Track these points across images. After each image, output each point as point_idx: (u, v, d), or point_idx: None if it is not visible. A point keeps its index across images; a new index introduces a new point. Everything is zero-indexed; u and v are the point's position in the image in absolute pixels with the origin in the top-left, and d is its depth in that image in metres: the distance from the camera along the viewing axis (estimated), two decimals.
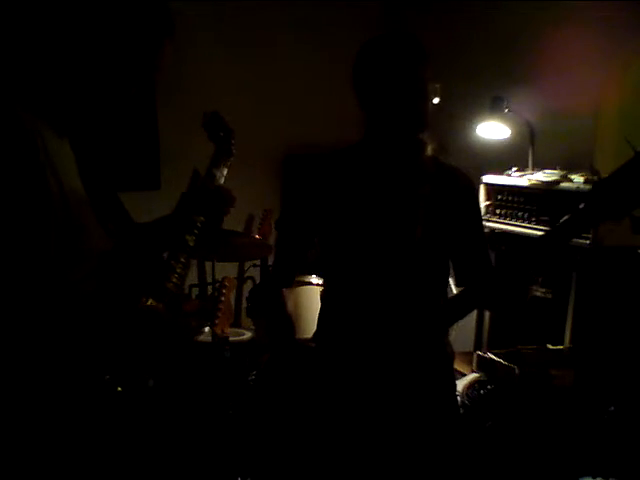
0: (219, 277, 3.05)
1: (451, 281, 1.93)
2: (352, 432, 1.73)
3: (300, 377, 1.88)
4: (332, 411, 1.76)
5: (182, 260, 1.45)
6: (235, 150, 1.75)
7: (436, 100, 1.80)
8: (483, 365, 2.64)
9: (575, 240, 2.57)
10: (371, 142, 1.81)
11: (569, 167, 2.83)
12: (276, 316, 1.97)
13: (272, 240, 3.14)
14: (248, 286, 3.30)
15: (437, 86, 1.79)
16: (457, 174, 1.85)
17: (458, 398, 2.22)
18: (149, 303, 1.34)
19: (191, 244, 1.48)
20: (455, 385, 2.00)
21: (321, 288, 2.82)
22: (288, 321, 1.97)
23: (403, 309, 1.73)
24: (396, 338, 1.68)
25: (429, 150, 1.81)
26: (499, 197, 2.98)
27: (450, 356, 1.89)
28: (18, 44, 1.32)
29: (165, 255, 1.47)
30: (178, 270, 1.43)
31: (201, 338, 2.83)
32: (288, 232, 1.99)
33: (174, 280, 1.42)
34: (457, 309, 1.75)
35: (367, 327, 1.73)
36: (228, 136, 1.75)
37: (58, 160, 1.27)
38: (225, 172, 1.67)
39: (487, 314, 3.16)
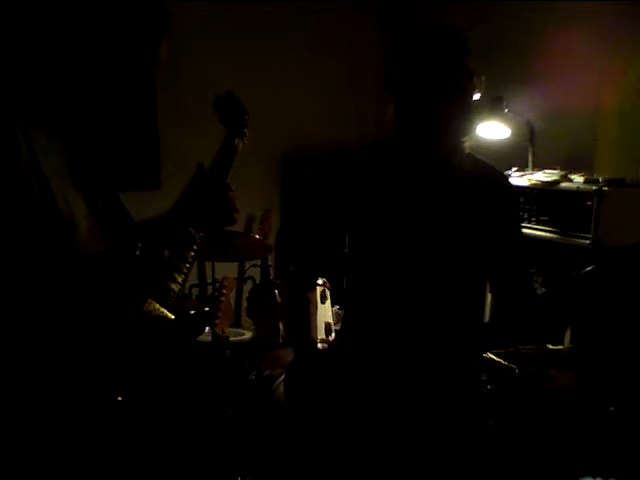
0: (219, 277, 3.06)
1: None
2: (374, 438, 1.70)
3: (323, 383, 1.81)
4: (356, 418, 1.72)
5: (189, 258, 1.36)
6: (247, 132, 1.65)
7: (477, 96, 1.64)
8: (483, 365, 2.64)
9: (575, 240, 2.58)
10: (404, 139, 1.69)
11: (569, 167, 2.82)
12: (302, 321, 1.89)
13: (272, 240, 3.15)
14: (248, 286, 3.30)
15: (482, 78, 1.62)
16: (496, 176, 1.74)
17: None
18: (152, 307, 1.27)
19: (199, 241, 1.40)
20: (480, 394, 1.95)
21: (320, 288, 2.83)
22: (310, 327, 1.91)
23: (435, 318, 1.67)
24: (426, 347, 1.65)
25: (466, 148, 1.70)
26: None
27: (479, 366, 1.83)
28: (10, 43, 1.29)
29: (167, 252, 1.39)
30: (184, 269, 1.34)
31: (201, 338, 2.83)
32: (315, 234, 1.87)
33: (179, 280, 1.33)
34: (497, 334, 1.73)
35: (397, 336, 1.67)
36: (242, 117, 1.65)
37: (45, 160, 1.23)
38: (238, 149, 1.57)
39: (487, 314, 3.15)
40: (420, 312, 1.67)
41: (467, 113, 1.62)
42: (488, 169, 1.74)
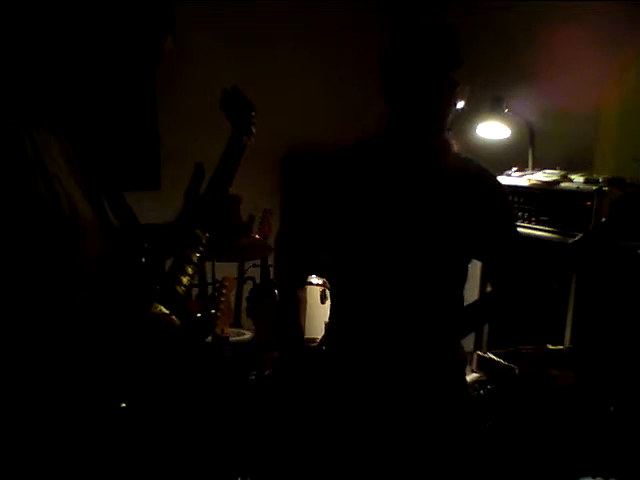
0: (219, 277, 3.05)
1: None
2: (362, 435, 1.71)
3: (310, 380, 1.82)
4: (343, 415, 1.73)
5: (194, 259, 1.35)
6: (255, 129, 1.62)
7: (461, 104, 1.68)
8: (483, 365, 2.64)
9: (575, 240, 2.58)
10: (392, 137, 1.72)
11: (569, 167, 2.83)
12: (290, 319, 1.89)
13: (272, 240, 3.15)
14: (248, 286, 3.30)
15: (467, 88, 1.67)
16: (483, 175, 1.75)
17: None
18: (158, 310, 1.25)
19: (204, 242, 1.39)
20: (467, 389, 1.96)
21: (320, 288, 2.83)
22: (299, 325, 1.90)
23: (417, 313, 1.69)
24: (409, 342, 1.66)
25: (454, 149, 1.72)
26: None
27: (462, 360, 1.83)
28: (12, 42, 1.28)
29: (173, 254, 1.37)
30: (189, 271, 1.34)
31: None
32: (302, 231, 1.90)
33: (184, 282, 1.32)
34: (474, 319, 1.75)
35: (380, 331, 1.68)
36: (249, 114, 1.62)
37: (51, 161, 1.23)
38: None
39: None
40: (405, 305, 1.69)
41: (443, 116, 1.66)
42: (474, 166, 1.75)
